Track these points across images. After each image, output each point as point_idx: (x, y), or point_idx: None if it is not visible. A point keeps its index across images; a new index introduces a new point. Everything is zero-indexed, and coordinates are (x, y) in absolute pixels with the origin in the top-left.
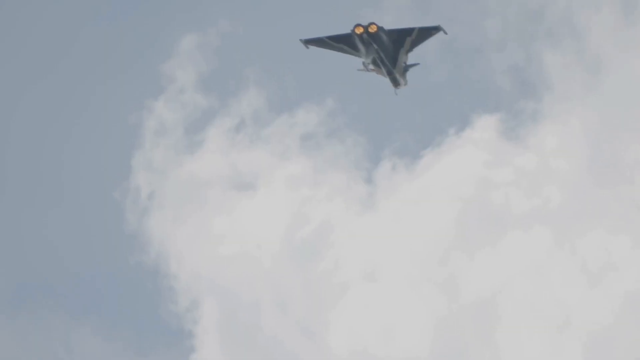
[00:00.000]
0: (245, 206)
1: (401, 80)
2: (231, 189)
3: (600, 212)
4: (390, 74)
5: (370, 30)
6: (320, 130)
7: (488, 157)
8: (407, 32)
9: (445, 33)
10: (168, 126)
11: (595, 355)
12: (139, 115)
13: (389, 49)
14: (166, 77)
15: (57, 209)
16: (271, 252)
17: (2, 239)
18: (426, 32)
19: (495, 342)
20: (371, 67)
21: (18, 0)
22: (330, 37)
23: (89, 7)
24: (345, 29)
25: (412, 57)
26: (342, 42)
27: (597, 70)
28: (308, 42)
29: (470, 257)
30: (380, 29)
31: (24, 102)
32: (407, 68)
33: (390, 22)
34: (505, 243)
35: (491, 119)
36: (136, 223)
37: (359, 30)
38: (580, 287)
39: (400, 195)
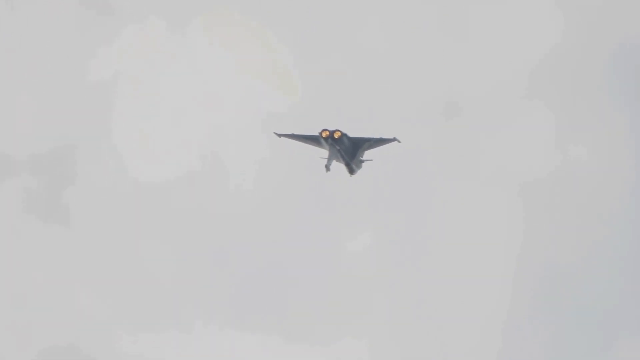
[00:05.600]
0: None
1: (356, 169)
2: None
3: None
4: (347, 165)
5: (335, 135)
6: None
7: None
8: (367, 139)
9: (399, 142)
10: None
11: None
12: None
13: (349, 149)
14: None
15: None
16: None
17: None
18: (382, 141)
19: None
20: (333, 162)
21: None
22: (302, 135)
23: None
24: None
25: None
26: (310, 140)
27: None
28: (281, 135)
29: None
30: (343, 134)
31: None
32: (362, 161)
33: None
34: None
35: None
36: None
37: (325, 134)
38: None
39: None
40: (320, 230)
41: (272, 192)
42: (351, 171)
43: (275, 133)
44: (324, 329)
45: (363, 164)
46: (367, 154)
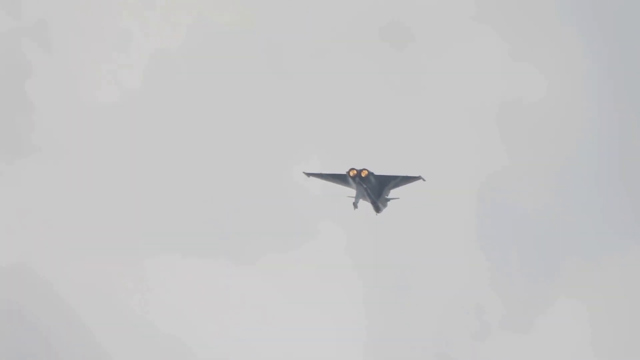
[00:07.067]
0: None
1: (382, 207)
2: None
3: None
4: (374, 204)
5: (362, 174)
6: None
7: None
8: (393, 177)
9: (424, 180)
10: None
11: None
12: None
13: (376, 187)
14: None
15: None
16: None
17: None
18: (408, 179)
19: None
20: (360, 200)
21: None
22: (329, 174)
23: None
24: None
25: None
26: (338, 179)
27: None
28: (310, 174)
29: None
30: (370, 173)
31: None
32: (388, 199)
33: None
34: None
35: None
36: None
37: (353, 173)
38: None
39: None
40: (267, 154)
41: (219, 116)
42: (377, 209)
43: (304, 172)
44: (271, 251)
45: (389, 203)
46: (393, 193)
